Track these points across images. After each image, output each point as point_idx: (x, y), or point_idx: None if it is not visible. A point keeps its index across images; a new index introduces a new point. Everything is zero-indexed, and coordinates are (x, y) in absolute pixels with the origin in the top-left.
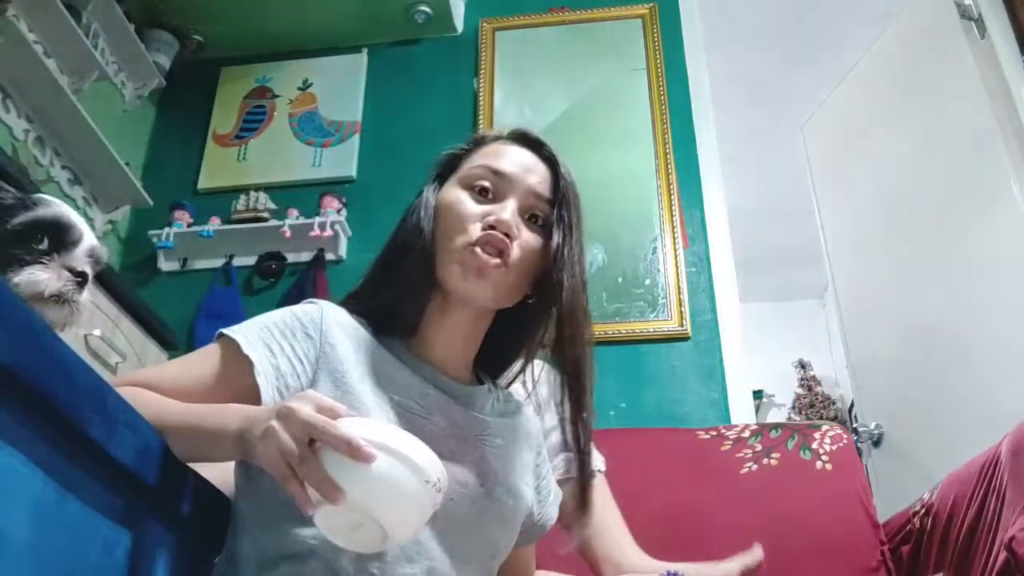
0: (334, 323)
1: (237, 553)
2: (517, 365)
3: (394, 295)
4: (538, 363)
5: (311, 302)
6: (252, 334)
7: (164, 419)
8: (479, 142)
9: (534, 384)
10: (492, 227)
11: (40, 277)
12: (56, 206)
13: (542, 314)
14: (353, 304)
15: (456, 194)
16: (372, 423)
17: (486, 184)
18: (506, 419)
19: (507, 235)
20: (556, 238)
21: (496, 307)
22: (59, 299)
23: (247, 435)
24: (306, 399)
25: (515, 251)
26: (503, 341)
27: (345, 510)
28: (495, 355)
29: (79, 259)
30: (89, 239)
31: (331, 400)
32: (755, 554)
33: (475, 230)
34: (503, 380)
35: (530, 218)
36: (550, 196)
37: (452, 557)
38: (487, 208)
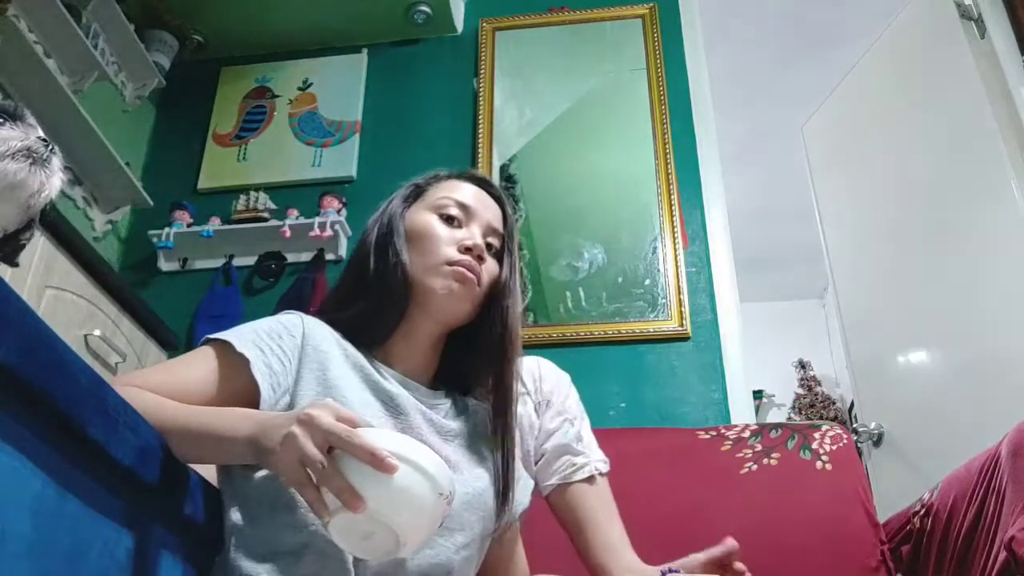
0: (314, 326)
1: (231, 553)
2: (485, 380)
3: (367, 309)
4: (538, 362)
5: (289, 312)
6: (242, 336)
7: (168, 420)
8: (437, 178)
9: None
10: (468, 249)
11: (9, 134)
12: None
13: (489, 335)
14: (322, 317)
15: (427, 218)
16: (388, 434)
17: (453, 213)
18: (465, 419)
19: (480, 257)
20: (505, 267)
21: (460, 322)
22: (33, 157)
23: (262, 440)
24: (325, 407)
25: (484, 273)
26: (456, 363)
27: (364, 518)
28: (451, 376)
29: (38, 130)
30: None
31: (348, 410)
32: (728, 544)
33: (452, 251)
34: (477, 393)
35: (486, 247)
36: (501, 230)
37: (431, 548)
38: (458, 233)
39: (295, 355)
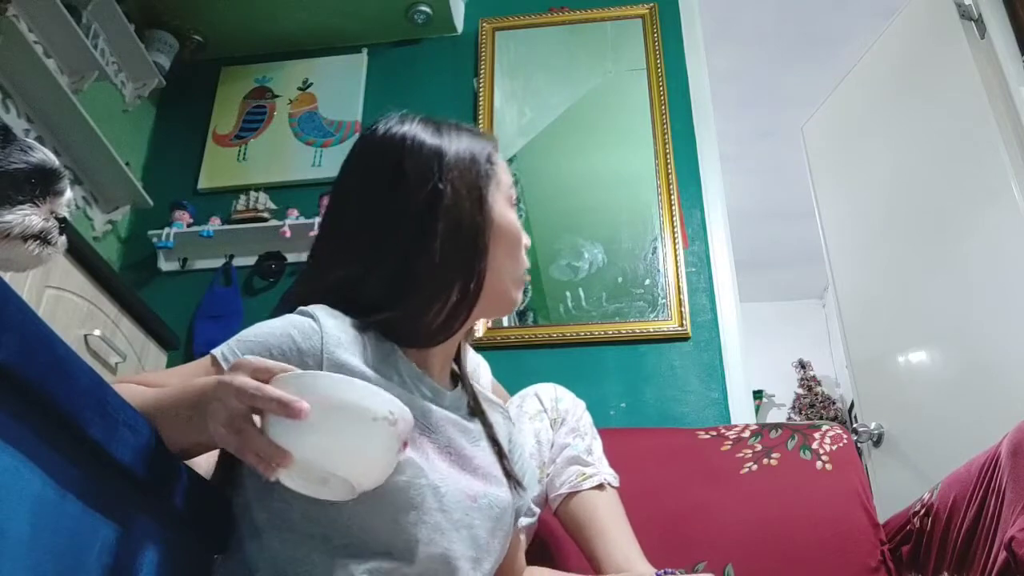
0: (334, 347)
1: (254, 566)
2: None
3: (425, 308)
4: (555, 387)
5: (309, 316)
6: None
7: (139, 406)
8: (493, 151)
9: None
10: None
11: (32, 219)
12: (45, 153)
13: None
14: (360, 315)
15: (511, 215)
16: (309, 375)
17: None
18: (480, 417)
19: None
20: None
21: None
22: (43, 239)
23: (204, 414)
24: (239, 367)
25: None
26: None
27: (297, 471)
28: None
29: (62, 206)
30: (69, 190)
31: (266, 360)
32: None
33: (525, 257)
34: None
35: None
36: None
37: (475, 570)
38: (524, 236)
39: None
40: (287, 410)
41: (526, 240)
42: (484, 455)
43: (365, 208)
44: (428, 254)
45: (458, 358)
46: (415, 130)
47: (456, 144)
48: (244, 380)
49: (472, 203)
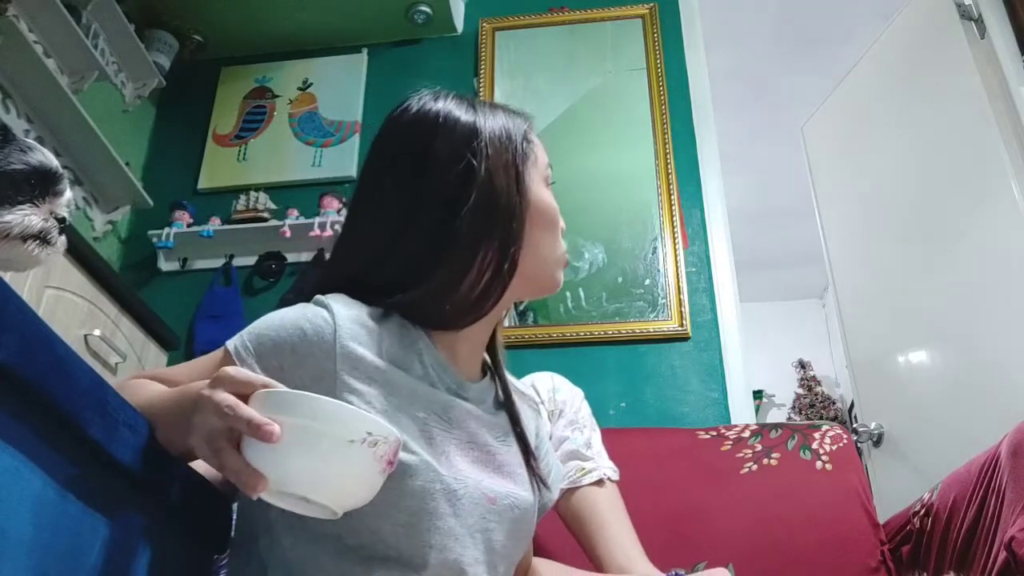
0: (348, 339)
1: (266, 563)
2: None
3: (454, 286)
4: (552, 376)
5: (323, 306)
6: (261, 359)
7: (139, 404)
8: (529, 129)
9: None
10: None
11: (32, 219)
12: (44, 153)
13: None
14: (383, 299)
15: (548, 195)
16: (284, 395)
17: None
18: (507, 409)
19: None
20: None
21: None
22: (43, 239)
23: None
24: (220, 381)
25: None
26: None
27: (271, 495)
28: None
29: (62, 206)
30: (69, 190)
31: (247, 374)
32: None
33: (562, 240)
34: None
35: None
36: None
37: (489, 573)
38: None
39: (322, 385)
40: (258, 432)
41: (562, 223)
42: (510, 452)
43: (394, 187)
44: (457, 230)
45: (492, 347)
46: (449, 107)
47: (491, 122)
48: (223, 396)
49: (509, 182)
